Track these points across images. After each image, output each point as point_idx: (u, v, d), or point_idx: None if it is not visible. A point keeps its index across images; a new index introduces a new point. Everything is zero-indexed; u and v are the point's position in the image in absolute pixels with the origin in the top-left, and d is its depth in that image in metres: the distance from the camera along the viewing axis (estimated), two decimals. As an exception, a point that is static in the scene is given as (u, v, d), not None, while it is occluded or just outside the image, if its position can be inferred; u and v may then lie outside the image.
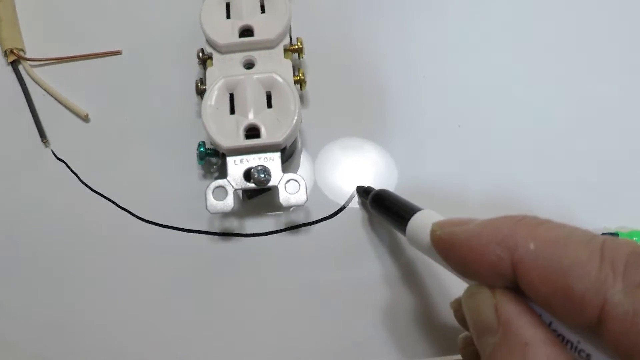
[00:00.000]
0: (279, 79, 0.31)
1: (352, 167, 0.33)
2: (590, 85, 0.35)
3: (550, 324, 0.19)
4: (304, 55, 0.33)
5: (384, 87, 0.35)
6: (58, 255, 0.32)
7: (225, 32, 0.32)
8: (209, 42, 0.32)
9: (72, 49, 0.37)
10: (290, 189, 0.30)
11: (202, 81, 0.32)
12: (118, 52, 0.36)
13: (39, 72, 0.37)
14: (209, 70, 0.32)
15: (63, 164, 0.34)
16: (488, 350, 0.19)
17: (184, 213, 0.32)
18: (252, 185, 0.30)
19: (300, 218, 0.32)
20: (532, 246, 0.18)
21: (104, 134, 0.35)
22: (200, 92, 0.32)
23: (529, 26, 0.37)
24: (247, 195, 0.32)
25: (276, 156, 0.30)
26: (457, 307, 0.23)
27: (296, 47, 0.33)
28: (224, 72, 0.32)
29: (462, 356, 0.24)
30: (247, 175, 0.30)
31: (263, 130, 0.30)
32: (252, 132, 0.30)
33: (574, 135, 0.34)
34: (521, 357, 0.18)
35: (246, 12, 0.33)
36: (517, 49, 0.36)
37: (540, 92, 0.35)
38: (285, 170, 0.30)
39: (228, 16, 0.33)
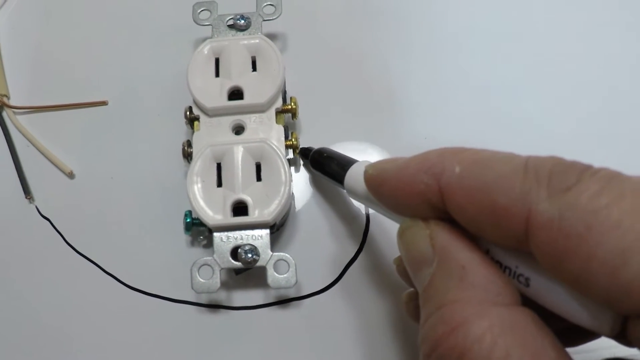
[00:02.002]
0: (270, 149, 0.29)
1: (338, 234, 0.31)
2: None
3: (487, 252, 0.19)
4: (298, 117, 0.31)
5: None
6: (40, 318, 0.31)
7: (214, 94, 0.30)
8: (196, 103, 0.30)
9: (57, 97, 0.35)
10: (280, 270, 0.29)
11: (189, 143, 0.31)
12: (104, 103, 0.35)
13: (23, 120, 0.35)
14: (196, 134, 0.30)
15: (48, 222, 0.33)
16: (425, 282, 0.19)
17: (171, 281, 0.31)
18: (239, 264, 0.28)
19: (291, 291, 0.31)
20: (457, 169, 0.18)
21: (89, 192, 0.33)
22: (187, 155, 0.30)
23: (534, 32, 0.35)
24: (235, 271, 0.31)
25: (265, 233, 0.29)
26: (399, 261, 0.23)
27: (289, 107, 0.31)
28: (212, 137, 0.30)
29: (407, 312, 0.24)
30: (235, 253, 0.29)
31: (251, 206, 0.29)
32: (240, 205, 0.29)
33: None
34: (458, 280, 0.18)
35: (236, 71, 0.30)
36: (524, 56, 0.35)
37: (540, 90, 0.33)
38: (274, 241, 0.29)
39: (217, 73, 0.31)
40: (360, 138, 0.33)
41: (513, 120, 0.33)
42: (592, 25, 0.35)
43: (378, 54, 0.35)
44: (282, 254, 0.29)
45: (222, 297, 0.31)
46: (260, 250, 0.28)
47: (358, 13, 0.36)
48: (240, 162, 0.29)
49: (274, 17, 0.32)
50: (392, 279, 0.30)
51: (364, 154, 0.33)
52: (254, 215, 0.28)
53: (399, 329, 0.30)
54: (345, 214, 0.32)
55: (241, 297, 0.31)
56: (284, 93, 0.32)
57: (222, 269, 0.29)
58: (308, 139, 0.32)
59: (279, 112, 0.30)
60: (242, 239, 0.29)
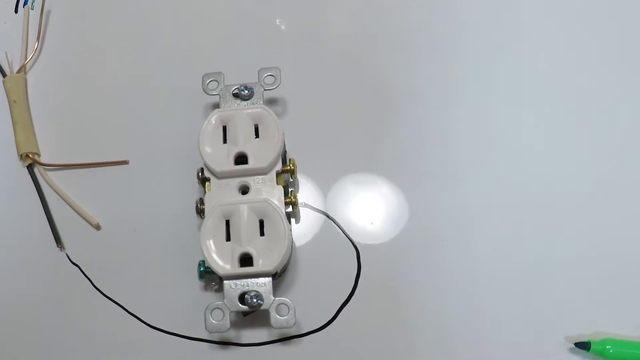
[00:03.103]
0: (271, 207, 0.34)
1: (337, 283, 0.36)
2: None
3: None
4: (296, 176, 0.36)
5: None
6: (69, 354, 0.36)
7: (222, 159, 0.35)
8: (207, 167, 0.35)
9: (84, 155, 0.40)
10: (281, 312, 0.33)
11: (202, 201, 0.35)
12: (125, 162, 0.39)
13: (53, 176, 0.40)
14: (208, 194, 0.35)
15: (77, 268, 0.37)
16: None
17: (187, 321, 0.35)
18: (246, 308, 0.33)
19: (291, 330, 0.35)
20: None
21: (114, 242, 0.38)
22: (200, 212, 0.35)
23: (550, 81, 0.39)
24: (243, 313, 0.35)
25: (268, 281, 0.33)
26: None
27: (288, 168, 0.35)
28: (221, 197, 0.34)
29: None
30: (242, 298, 0.33)
31: (255, 258, 0.33)
32: (246, 257, 0.33)
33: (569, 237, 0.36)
34: None
35: (241, 138, 0.35)
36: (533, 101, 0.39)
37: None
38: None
39: (225, 139, 0.35)
40: (355, 189, 0.38)
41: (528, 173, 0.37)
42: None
43: (369, 112, 0.39)
44: (282, 298, 0.33)
45: (231, 335, 0.35)
46: (264, 295, 0.33)
47: (349, 78, 0.40)
48: (245, 219, 0.33)
49: (273, 87, 0.37)
50: (384, 319, 0.35)
51: (355, 202, 0.37)
52: (258, 266, 0.33)
53: (387, 363, 0.34)
54: (340, 260, 0.36)
55: (248, 335, 0.35)
56: (284, 154, 0.36)
57: (231, 311, 0.33)
58: (307, 192, 0.37)
59: (279, 174, 0.35)
60: (248, 285, 0.33)
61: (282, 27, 0.42)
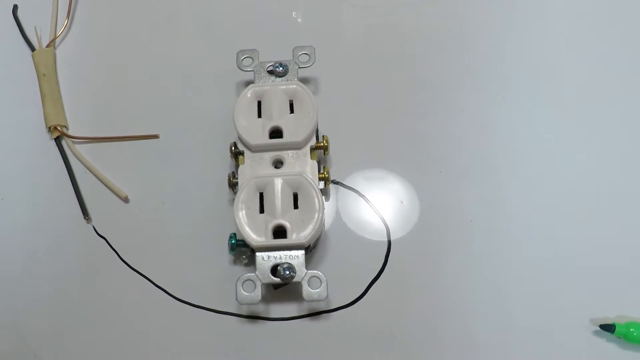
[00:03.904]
0: (305, 181, 0.34)
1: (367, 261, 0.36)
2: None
3: None
4: (328, 153, 0.36)
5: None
6: (94, 326, 0.35)
7: (257, 133, 0.35)
8: (241, 140, 0.35)
9: (112, 128, 0.40)
10: (313, 285, 0.33)
11: (234, 175, 0.35)
12: (156, 136, 0.39)
13: (81, 149, 0.39)
14: (241, 167, 0.35)
15: (104, 240, 0.37)
16: None
17: (215, 295, 0.35)
18: (278, 280, 0.33)
19: (321, 305, 0.35)
20: None
21: (142, 215, 0.38)
22: (232, 185, 0.35)
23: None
24: (273, 286, 0.35)
25: (301, 254, 0.33)
26: None
27: (322, 144, 0.35)
28: (255, 170, 0.34)
29: None
30: (274, 270, 0.33)
31: (289, 230, 0.33)
32: (280, 229, 0.33)
33: (586, 219, 0.36)
34: None
35: (276, 113, 0.35)
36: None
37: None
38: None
39: (259, 114, 0.36)
40: (385, 169, 0.38)
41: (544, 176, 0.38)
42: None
43: (396, 95, 0.40)
44: (315, 271, 0.33)
45: (260, 309, 0.35)
46: (296, 268, 0.33)
47: (379, 59, 0.41)
48: (280, 192, 0.34)
49: (308, 65, 0.37)
50: (412, 296, 0.35)
51: (386, 182, 0.37)
52: (292, 238, 0.33)
53: (420, 343, 0.34)
54: (370, 237, 0.36)
55: (277, 309, 0.35)
56: (316, 131, 0.37)
57: (262, 283, 0.33)
58: (338, 171, 0.37)
59: (313, 149, 0.35)
60: (280, 258, 0.33)
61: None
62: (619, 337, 0.33)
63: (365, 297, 0.35)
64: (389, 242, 0.36)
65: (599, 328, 0.34)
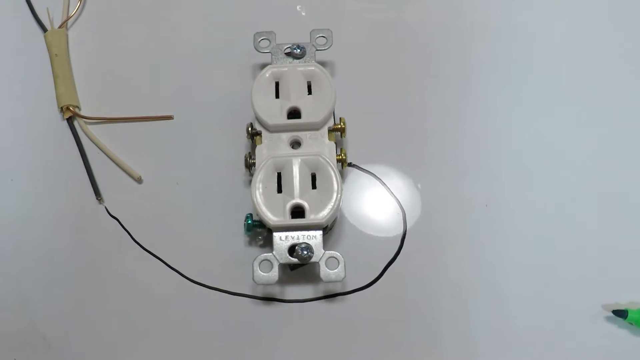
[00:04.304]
0: (324, 161, 0.34)
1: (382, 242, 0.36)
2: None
3: None
4: (346, 135, 0.36)
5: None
6: (107, 306, 0.35)
7: (274, 113, 0.35)
8: (259, 120, 0.35)
9: (125, 110, 0.39)
10: (331, 266, 0.33)
11: (251, 155, 0.35)
12: (170, 117, 0.39)
13: (93, 130, 0.39)
14: (258, 147, 0.35)
15: (116, 221, 0.37)
16: None
17: (229, 276, 0.35)
18: (295, 260, 0.33)
19: (337, 287, 0.35)
20: None
21: (155, 195, 0.37)
22: (249, 166, 0.35)
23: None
24: (290, 267, 0.35)
25: (318, 234, 0.33)
26: None
27: (339, 126, 0.35)
28: (272, 151, 0.34)
29: None
30: (292, 250, 0.33)
31: (307, 210, 0.33)
32: (297, 209, 0.33)
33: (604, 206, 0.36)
34: None
35: (294, 94, 0.35)
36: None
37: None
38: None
39: (277, 94, 0.36)
40: (399, 156, 0.38)
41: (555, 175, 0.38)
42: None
43: (412, 82, 0.40)
44: (333, 252, 0.33)
45: (275, 291, 0.35)
46: (314, 248, 0.33)
47: (398, 46, 0.41)
48: (298, 172, 0.33)
49: (325, 48, 0.37)
50: (428, 279, 0.35)
51: (400, 171, 0.37)
52: (310, 218, 0.33)
53: (435, 326, 0.34)
54: (386, 220, 0.36)
55: (293, 291, 0.35)
56: (333, 114, 0.36)
57: (280, 263, 0.33)
58: (355, 154, 0.37)
59: (330, 130, 0.35)
60: (298, 238, 0.33)
61: None
62: (631, 323, 0.33)
63: (380, 279, 0.35)
64: (405, 226, 0.36)
65: (610, 314, 0.34)
